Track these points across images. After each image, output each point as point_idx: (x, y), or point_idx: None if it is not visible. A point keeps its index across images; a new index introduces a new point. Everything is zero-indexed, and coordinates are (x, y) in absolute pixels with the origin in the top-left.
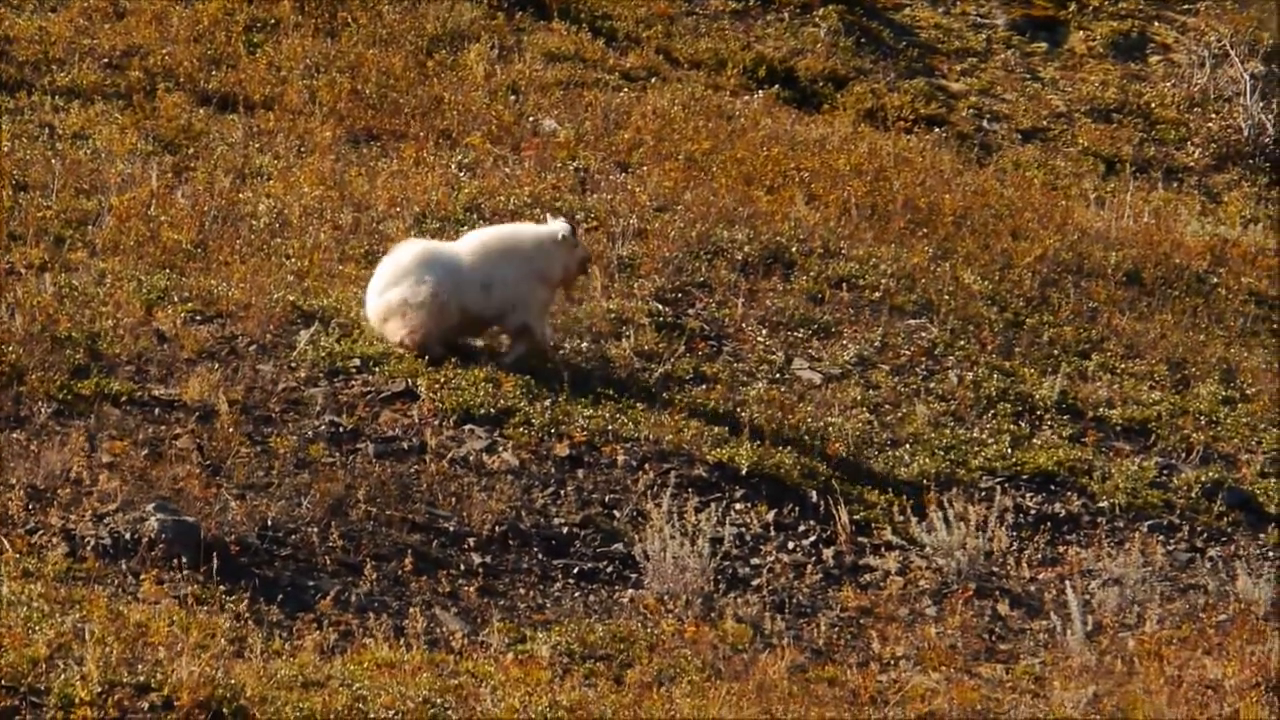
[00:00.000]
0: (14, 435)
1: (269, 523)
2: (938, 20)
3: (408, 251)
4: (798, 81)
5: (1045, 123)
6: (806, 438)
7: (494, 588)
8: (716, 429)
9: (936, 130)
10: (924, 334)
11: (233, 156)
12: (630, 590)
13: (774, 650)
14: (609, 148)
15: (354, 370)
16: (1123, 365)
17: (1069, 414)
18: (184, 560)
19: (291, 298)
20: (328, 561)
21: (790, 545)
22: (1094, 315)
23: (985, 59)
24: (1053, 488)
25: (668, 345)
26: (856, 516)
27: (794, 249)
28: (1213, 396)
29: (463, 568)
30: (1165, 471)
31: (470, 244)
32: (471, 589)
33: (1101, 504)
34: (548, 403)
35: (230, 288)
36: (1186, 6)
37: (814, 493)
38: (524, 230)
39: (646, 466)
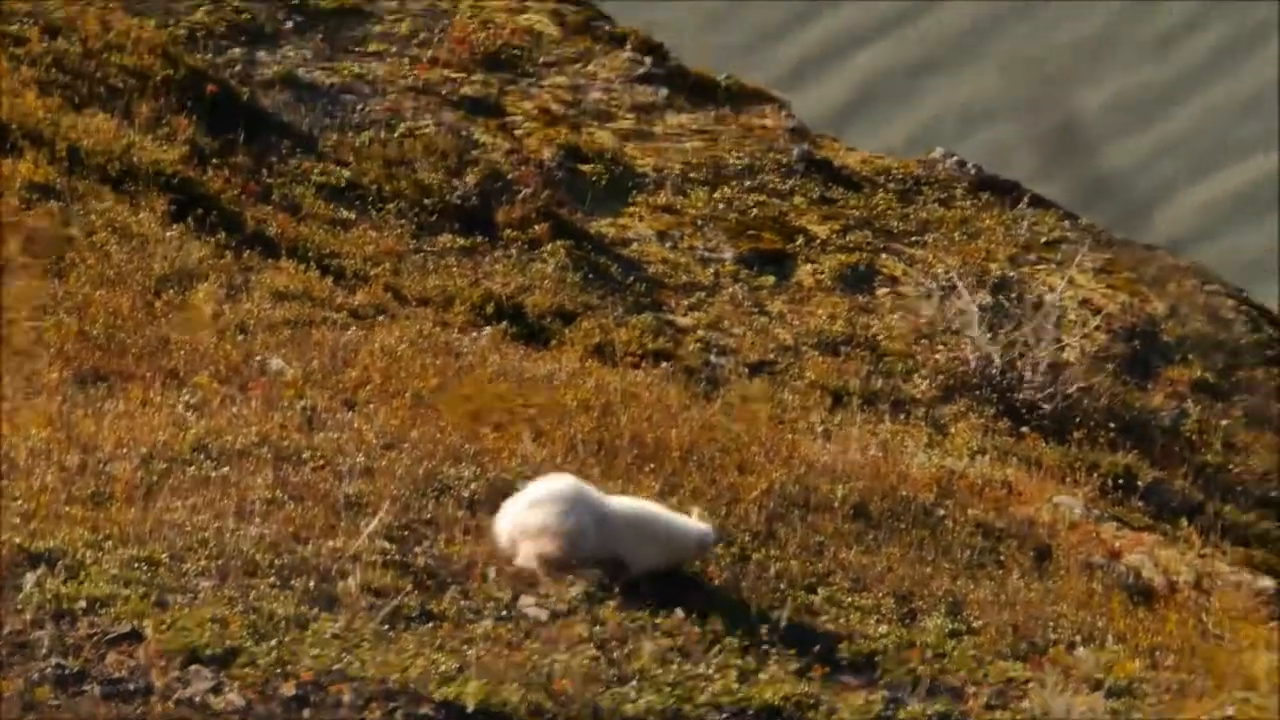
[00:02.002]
0: None
1: None
2: (665, 255)
3: (570, 490)
4: (526, 317)
5: (773, 356)
6: (533, 675)
7: None
8: (443, 666)
9: (664, 365)
10: None
11: None
12: None
13: None
14: (336, 386)
15: (80, 612)
16: (850, 599)
17: (796, 648)
18: None
19: (18, 540)
20: None
21: None
22: (821, 549)
23: (713, 293)
24: None
25: (395, 583)
26: None
27: (520, 486)
28: (940, 629)
29: None
30: (892, 705)
31: (624, 512)
32: None
33: None
34: (274, 642)
35: None
36: (914, 239)
37: None
38: (670, 520)
39: (373, 705)
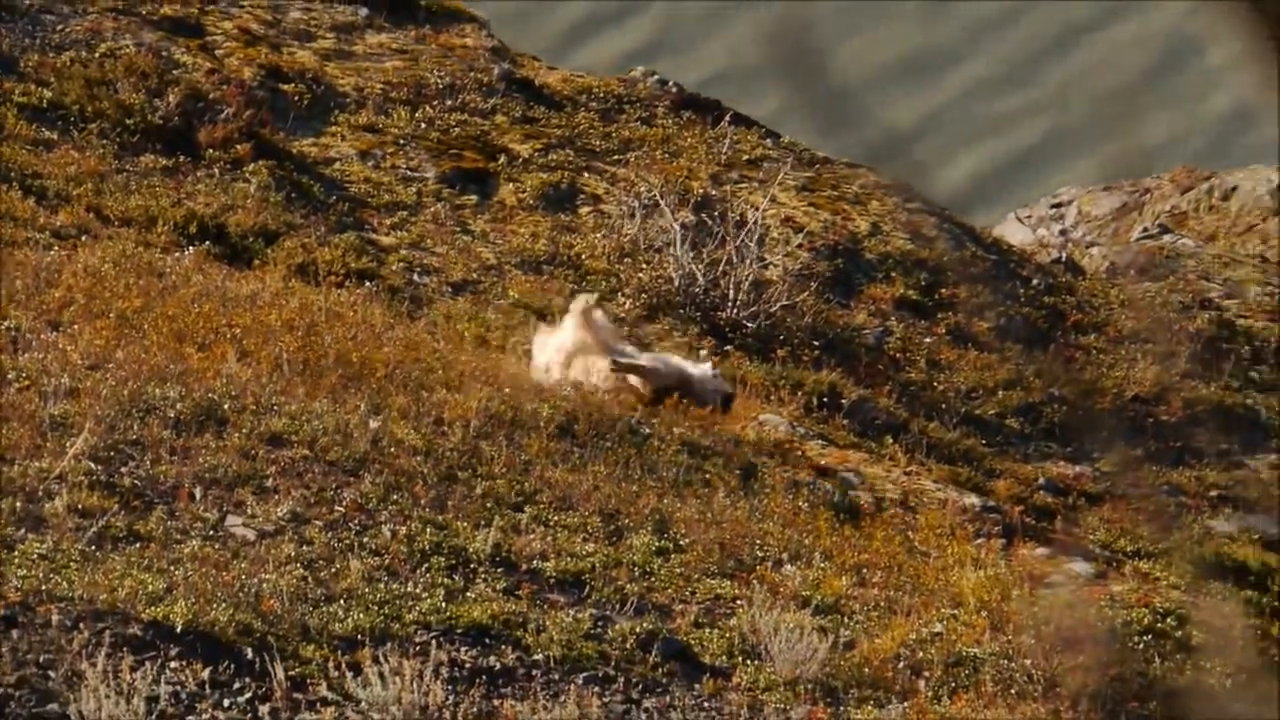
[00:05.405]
0: None
1: None
2: (368, 174)
3: None
4: (229, 237)
5: (476, 275)
6: (241, 594)
7: None
8: (151, 587)
9: (368, 284)
10: (357, 489)
11: None
12: None
13: None
14: (40, 306)
15: None
16: (556, 517)
17: (503, 567)
18: None
19: None
20: None
21: (226, 703)
22: (527, 468)
23: (416, 212)
24: (488, 641)
25: (102, 503)
26: (292, 673)
27: (226, 406)
28: (646, 547)
29: None
30: (600, 623)
31: None
32: None
33: (536, 656)
34: None
35: None
36: (617, 157)
37: (249, 649)
38: None
39: (82, 625)
